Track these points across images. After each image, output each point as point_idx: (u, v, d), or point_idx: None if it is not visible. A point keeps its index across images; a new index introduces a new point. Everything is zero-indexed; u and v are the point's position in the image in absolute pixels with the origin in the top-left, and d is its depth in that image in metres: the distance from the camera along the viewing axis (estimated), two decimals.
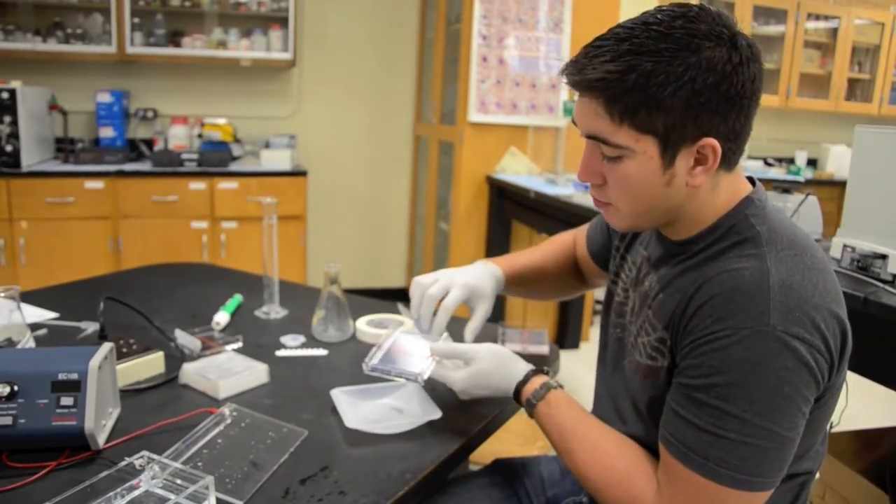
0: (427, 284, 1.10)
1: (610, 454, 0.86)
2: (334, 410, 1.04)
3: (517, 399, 0.97)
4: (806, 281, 0.76)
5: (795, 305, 0.73)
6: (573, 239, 1.27)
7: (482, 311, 1.12)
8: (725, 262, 0.80)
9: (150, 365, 1.16)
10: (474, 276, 1.13)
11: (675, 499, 0.78)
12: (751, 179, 0.88)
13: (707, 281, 0.79)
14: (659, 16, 0.77)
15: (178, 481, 0.80)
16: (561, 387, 0.95)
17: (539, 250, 1.27)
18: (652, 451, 0.86)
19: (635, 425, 0.92)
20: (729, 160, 0.81)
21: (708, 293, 0.78)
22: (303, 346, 1.32)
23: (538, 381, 0.96)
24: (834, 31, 4.85)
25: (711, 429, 0.74)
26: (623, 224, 0.89)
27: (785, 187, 1.72)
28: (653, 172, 0.80)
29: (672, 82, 0.74)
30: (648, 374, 0.86)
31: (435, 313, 1.10)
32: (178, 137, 3.59)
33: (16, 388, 0.87)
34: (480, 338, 1.11)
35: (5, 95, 3.02)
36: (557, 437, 0.91)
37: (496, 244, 3.54)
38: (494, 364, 0.99)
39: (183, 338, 1.27)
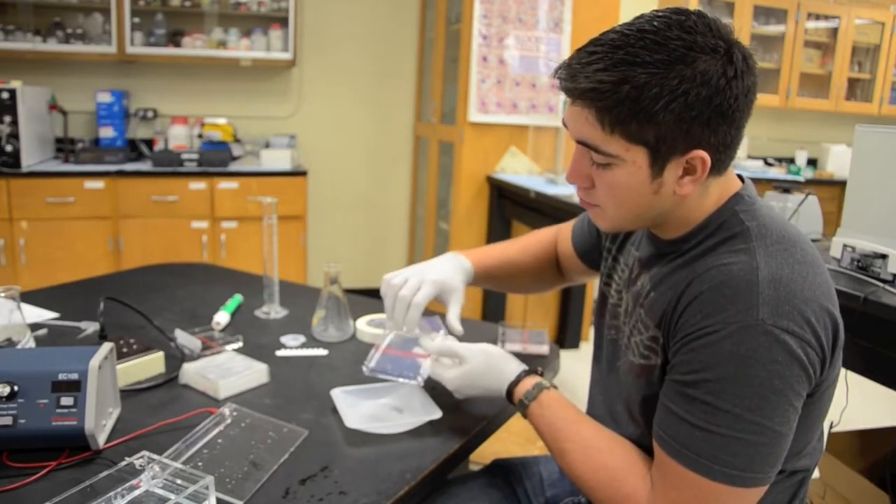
0: (398, 286, 1.10)
1: (602, 453, 0.86)
2: (334, 410, 1.05)
3: (510, 399, 0.97)
4: (796, 275, 0.76)
5: (785, 299, 0.73)
6: (554, 235, 1.27)
7: (456, 302, 1.13)
8: (715, 258, 0.80)
9: (150, 365, 1.16)
10: (443, 271, 1.13)
11: (667, 496, 0.78)
12: (740, 177, 0.88)
13: (697, 277, 0.79)
14: (655, 23, 0.76)
15: (178, 481, 0.80)
16: (554, 387, 0.95)
17: (516, 244, 1.27)
18: (647, 453, 0.86)
19: (628, 427, 0.92)
20: (719, 169, 0.81)
21: (698, 289, 0.78)
22: (303, 346, 1.32)
23: (530, 381, 0.96)
24: (834, 31, 4.84)
25: (703, 424, 0.74)
26: (608, 226, 0.89)
27: (785, 187, 1.72)
28: (641, 181, 0.80)
29: (665, 95, 0.73)
30: (642, 374, 0.87)
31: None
32: (178, 137, 3.59)
33: (16, 388, 0.87)
34: (481, 338, 1.11)
35: (5, 95, 3.02)
36: (550, 438, 0.91)
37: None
38: (485, 364, 0.99)
39: (183, 338, 1.27)
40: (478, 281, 1.21)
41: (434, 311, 1.33)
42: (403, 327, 1.09)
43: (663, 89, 0.73)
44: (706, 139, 0.77)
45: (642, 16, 0.78)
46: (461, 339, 1.08)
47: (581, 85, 0.76)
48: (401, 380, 1.08)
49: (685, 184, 0.80)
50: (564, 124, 0.84)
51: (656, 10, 0.79)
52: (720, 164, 0.80)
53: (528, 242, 1.27)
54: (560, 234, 1.26)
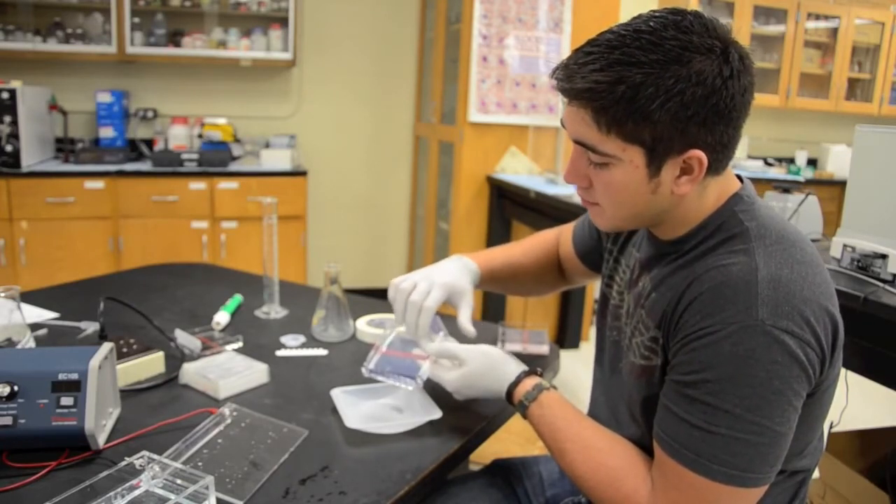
0: (407, 290, 1.09)
1: (602, 452, 0.86)
2: (334, 410, 1.05)
3: (510, 400, 0.97)
4: (795, 275, 0.76)
5: (784, 299, 0.73)
6: (556, 237, 1.27)
7: (466, 304, 1.12)
8: (715, 258, 0.80)
9: (150, 365, 1.16)
10: (451, 274, 1.13)
11: (667, 496, 0.78)
12: (739, 177, 0.88)
13: (697, 278, 0.79)
14: (651, 23, 0.76)
15: (178, 481, 0.80)
16: (554, 388, 0.95)
17: (518, 246, 1.27)
18: (647, 453, 0.86)
19: (630, 427, 0.92)
20: (716, 168, 0.81)
21: (697, 290, 0.78)
22: (303, 346, 1.32)
23: (530, 382, 0.96)
24: (834, 31, 4.84)
25: (703, 425, 0.74)
26: (607, 225, 0.89)
27: (785, 187, 1.72)
28: (638, 181, 0.80)
29: (661, 95, 0.74)
30: (643, 374, 0.87)
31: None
32: (178, 137, 3.59)
33: (16, 388, 0.87)
34: (481, 338, 1.11)
35: (5, 95, 3.02)
36: (550, 438, 0.91)
37: (496, 244, 3.51)
38: (485, 366, 0.99)
39: (183, 338, 1.27)
40: (483, 283, 1.21)
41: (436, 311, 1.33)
42: (416, 332, 1.09)
43: (659, 89, 0.73)
44: (703, 139, 0.77)
45: (639, 16, 0.79)
46: (470, 340, 1.08)
47: (577, 85, 0.77)
48: (399, 383, 1.08)
49: (682, 183, 0.80)
50: (562, 124, 0.84)
51: (653, 11, 0.79)
52: (718, 163, 0.80)
53: (530, 244, 1.27)
54: (561, 236, 1.26)
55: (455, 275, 1.13)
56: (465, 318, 1.11)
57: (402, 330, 1.18)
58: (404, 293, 1.09)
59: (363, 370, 1.10)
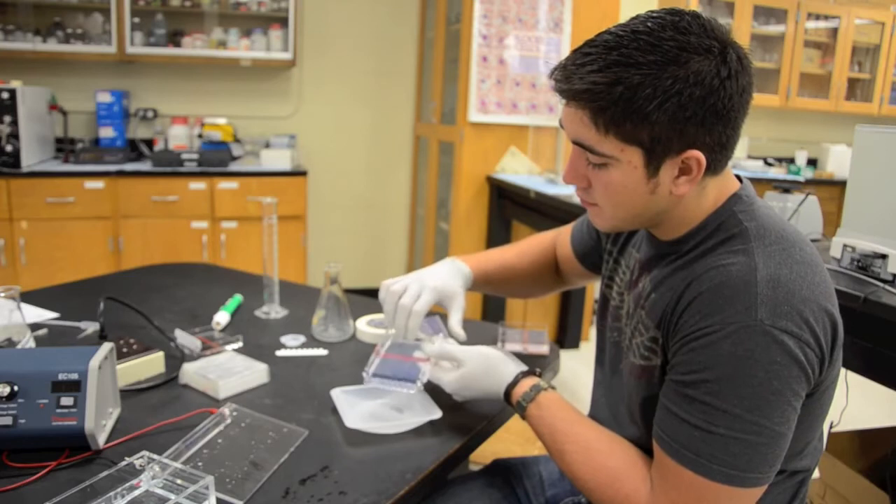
0: (398, 292, 1.10)
1: (602, 453, 0.86)
2: (334, 410, 1.05)
3: (508, 401, 0.97)
4: (794, 275, 0.76)
5: (783, 299, 0.73)
6: (553, 239, 1.28)
7: (457, 307, 1.13)
8: (714, 258, 0.80)
9: (150, 365, 1.16)
10: (443, 277, 1.13)
11: (667, 496, 0.78)
12: (738, 177, 0.88)
13: (696, 278, 0.79)
14: (649, 24, 0.76)
15: (178, 481, 0.80)
16: (552, 388, 0.95)
17: (514, 248, 1.28)
18: (648, 454, 0.86)
19: (629, 428, 0.92)
20: (715, 168, 0.81)
21: (697, 290, 0.78)
22: (303, 346, 1.32)
23: (528, 383, 0.96)
24: (834, 31, 4.84)
25: (702, 425, 0.74)
26: (606, 225, 0.89)
27: (785, 187, 1.72)
28: (637, 181, 0.80)
29: (658, 96, 0.74)
30: (642, 375, 0.87)
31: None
32: (178, 137, 3.59)
33: (16, 388, 0.87)
34: (481, 338, 1.11)
35: (5, 95, 3.02)
36: (549, 439, 0.91)
37: (496, 244, 3.51)
38: (483, 368, 0.99)
39: (183, 338, 1.27)
40: (477, 286, 1.21)
41: (435, 311, 1.33)
42: (405, 334, 1.09)
43: (657, 90, 0.74)
44: (701, 139, 0.77)
45: (637, 17, 0.79)
46: (469, 342, 1.08)
47: (575, 86, 0.77)
48: (400, 388, 1.08)
49: (681, 184, 0.80)
50: (561, 125, 0.84)
51: (651, 11, 0.79)
52: (716, 163, 0.81)
53: (526, 247, 1.27)
54: (559, 238, 1.26)
55: (446, 278, 1.13)
56: (456, 321, 1.12)
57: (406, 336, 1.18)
58: (395, 295, 1.10)
59: (364, 374, 1.09)
